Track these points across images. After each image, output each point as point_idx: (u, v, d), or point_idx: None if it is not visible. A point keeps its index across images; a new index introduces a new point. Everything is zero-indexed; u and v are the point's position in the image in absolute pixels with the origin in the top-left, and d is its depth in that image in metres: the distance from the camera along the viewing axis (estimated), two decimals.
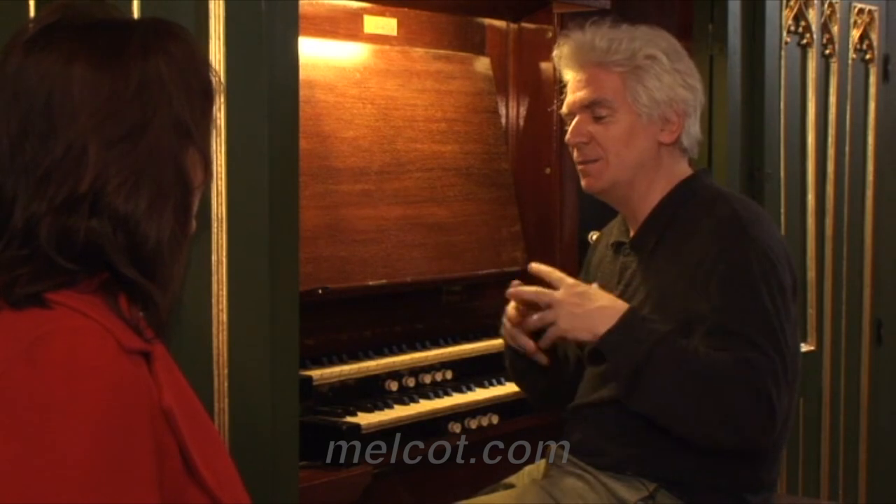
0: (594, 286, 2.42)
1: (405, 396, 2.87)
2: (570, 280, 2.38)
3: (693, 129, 2.51)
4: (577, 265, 2.80)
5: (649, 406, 2.29)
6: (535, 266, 2.44)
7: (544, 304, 2.36)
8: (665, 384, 2.26)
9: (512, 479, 2.62)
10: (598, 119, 2.46)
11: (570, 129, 2.52)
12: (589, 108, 2.48)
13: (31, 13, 1.86)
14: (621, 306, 2.33)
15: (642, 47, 2.46)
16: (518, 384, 2.74)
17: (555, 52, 2.57)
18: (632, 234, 2.53)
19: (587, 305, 2.32)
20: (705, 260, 2.34)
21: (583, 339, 2.35)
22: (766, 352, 2.25)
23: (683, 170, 2.53)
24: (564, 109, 2.55)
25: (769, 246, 2.35)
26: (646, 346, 2.26)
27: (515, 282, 2.45)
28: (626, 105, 2.45)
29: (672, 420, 2.29)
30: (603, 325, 2.30)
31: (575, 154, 2.53)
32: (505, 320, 2.51)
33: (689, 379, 2.24)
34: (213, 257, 2.10)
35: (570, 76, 2.54)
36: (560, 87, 2.61)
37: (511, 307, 2.49)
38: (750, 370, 2.23)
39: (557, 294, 2.35)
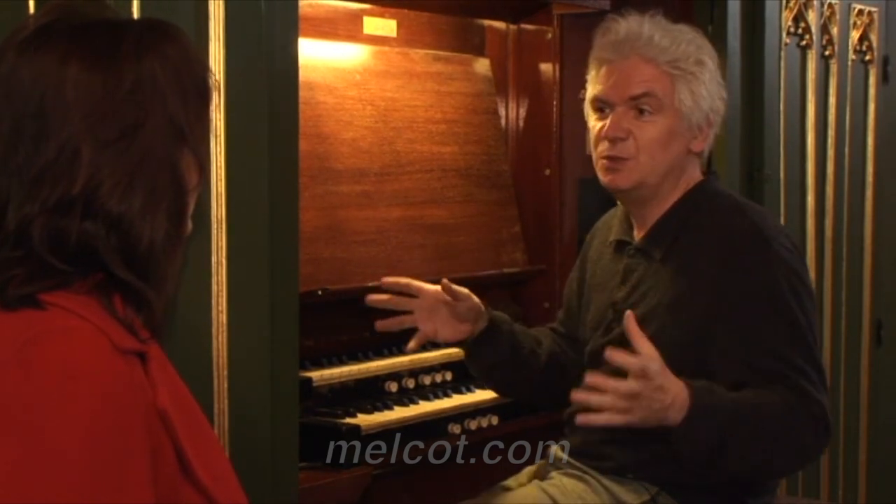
0: (659, 369, 2.14)
1: (405, 397, 2.87)
2: (654, 368, 2.12)
3: (713, 137, 2.49)
4: None
5: (737, 471, 2.29)
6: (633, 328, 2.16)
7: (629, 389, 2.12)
8: (745, 448, 2.23)
9: (511, 481, 2.62)
10: (640, 113, 2.39)
11: (606, 121, 2.41)
12: (634, 101, 2.40)
13: (31, 13, 1.86)
14: (686, 394, 2.15)
15: (696, 52, 2.42)
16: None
17: (600, 32, 2.47)
18: (637, 233, 2.50)
19: (665, 401, 2.13)
20: (729, 277, 2.32)
21: (648, 426, 2.18)
22: (808, 373, 2.28)
23: (696, 174, 2.50)
24: (597, 95, 2.43)
25: (794, 258, 2.37)
26: (718, 431, 2.18)
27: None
28: (672, 107, 2.39)
29: (753, 475, 2.34)
30: (674, 418, 2.16)
31: (604, 146, 2.42)
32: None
33: (762, 435, 2.23)
34: (213, 258, 2.10)
35: (605, 64, 2.43)
36: (581, 80, 2.51)
37: None
38: (807, 402, 2.26)
39: (639, 387, 2.10)
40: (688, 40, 2.44)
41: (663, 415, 2.14)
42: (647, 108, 2.39)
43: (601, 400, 2.12)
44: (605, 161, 2.43)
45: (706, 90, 2.42)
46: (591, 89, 2.47)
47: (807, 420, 2.26)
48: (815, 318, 2.38)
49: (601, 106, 2.45)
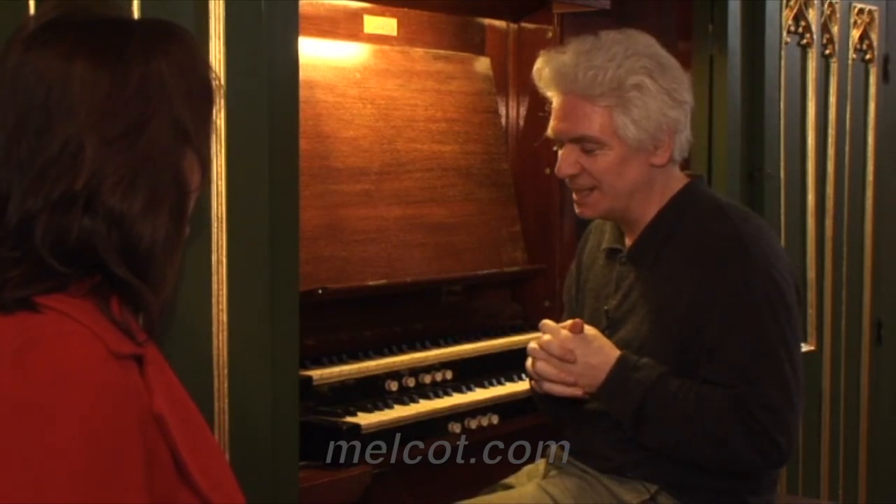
0: (587, 333, 2.40)
1: (405, 396, 2.87)
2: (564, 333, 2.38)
3: (684, 139, 2.44)
4: None
5: (656, 447, 2.36)
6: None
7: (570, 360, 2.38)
8: (661, 431, 2.32)
9: (511, 479, 2.62)
10: (587, 151, 2.39)
11: (559, 159, 2.44)
12: (577, 141, 2.40)
13: (31, 13, 1.86)
14: (612, 357, 2.36)
15: (628, 75, 2.35)
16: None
17: (535, 72, 2.46)
18: (628, 242, 2.50)
19: (598, 378, 2.36)
20: (707, 282, 2.32)
21: (590, 392, 2.39)
22: (758, 384, 2.27)
23: (678, 179, 2.48)
24: (550, 134, 2.46)
25: (772, 264, 2.34)
26: (637, 398, 2.31)
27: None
28: (615, 138, 2.37)
29: (682, 458, 2.34)
30: (601, 378, 2.36)
31: (568, 182, 2.46)
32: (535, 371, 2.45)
33: (680, 425, 2.30)
34: (213, 257, 2.10)
35: (553, 99, 2.45)
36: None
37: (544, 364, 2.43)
38: (739, 408, 2.26)
39: (570, 359, 2.38)
40: (617, 64, 2.36)
41: (594, 376, 2.36)
42: (590, 146, 2.39)
43: (544, 368, 2.38)
44: (574, 196, 2.47)
45: (648, 110, 2.36)
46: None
47: (738, 429, 2.26)
48: (794, 330, 2.35)
49: (555, 143, 2.47)
